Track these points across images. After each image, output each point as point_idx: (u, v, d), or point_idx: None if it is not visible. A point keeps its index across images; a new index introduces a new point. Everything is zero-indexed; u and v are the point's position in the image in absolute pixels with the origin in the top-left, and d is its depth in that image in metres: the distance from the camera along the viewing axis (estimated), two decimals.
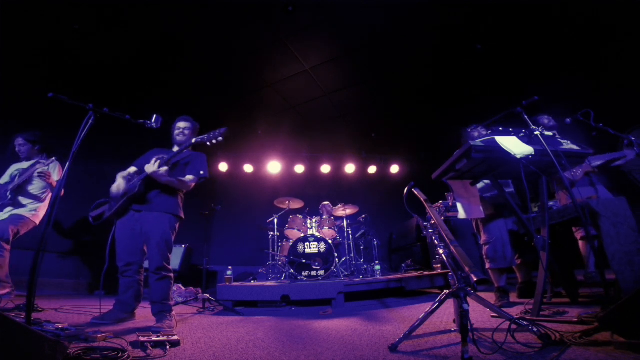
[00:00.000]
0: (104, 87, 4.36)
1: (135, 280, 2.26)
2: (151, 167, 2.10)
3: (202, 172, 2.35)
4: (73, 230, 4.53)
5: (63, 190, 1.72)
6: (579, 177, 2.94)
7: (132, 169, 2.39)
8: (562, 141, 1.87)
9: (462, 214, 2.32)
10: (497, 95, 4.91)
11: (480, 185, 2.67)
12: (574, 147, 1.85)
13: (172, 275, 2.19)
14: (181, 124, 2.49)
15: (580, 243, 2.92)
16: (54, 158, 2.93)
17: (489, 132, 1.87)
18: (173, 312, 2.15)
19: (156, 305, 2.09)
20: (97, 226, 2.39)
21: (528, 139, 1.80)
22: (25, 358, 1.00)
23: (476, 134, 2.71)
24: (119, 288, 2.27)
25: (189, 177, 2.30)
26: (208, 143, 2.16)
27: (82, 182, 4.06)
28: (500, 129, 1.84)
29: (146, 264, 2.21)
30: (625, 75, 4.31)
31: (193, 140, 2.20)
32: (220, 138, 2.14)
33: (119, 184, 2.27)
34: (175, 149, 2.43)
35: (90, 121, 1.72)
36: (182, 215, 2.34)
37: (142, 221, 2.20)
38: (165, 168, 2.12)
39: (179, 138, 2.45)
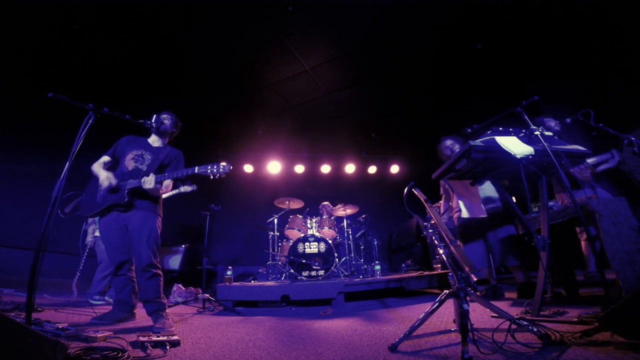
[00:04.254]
0: (104, 87, 4.35)
1: (128, 278, 2.26)
2: (150, 184, 2.11)
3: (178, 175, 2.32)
4: (73, 229, 4.52)
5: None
6: (588, 177, 2.93)
7: (106, 159, 2.35)
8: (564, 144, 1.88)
9: (465, 212, 2.32)
10: (497, 95, 4.90)
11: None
12: (579, 147, 1.85)
13: (161, 272, 2.19)
14: (163, 115, 2.47)
15: (583, 244, 2.92)
16: None
17: (488, 132, 1.87)
18: (167, 310, 2.15)
19: (150, 305, 2.08)
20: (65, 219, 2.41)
21: (528, 139, 1.80)
22: (25, 358, 1.00)
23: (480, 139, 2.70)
24: (115, 289, 2.27)
25: (166, 183, 2.28)
26: (211, 177, 2.10)
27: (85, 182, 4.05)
28: (501, 129, 1.84)
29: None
30: (626, 75, 4.31)
31: (197, 170, 2.12)
32: (223, 175, 2.11)
33: (106, 179, 2.18)
34: (152, 138, 2.45)
35: (90, 121, 1.72)
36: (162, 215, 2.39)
37: (127, 220, 2.20)
38: (158, 185, 2.17)
39: (161, 127, 2.43)
